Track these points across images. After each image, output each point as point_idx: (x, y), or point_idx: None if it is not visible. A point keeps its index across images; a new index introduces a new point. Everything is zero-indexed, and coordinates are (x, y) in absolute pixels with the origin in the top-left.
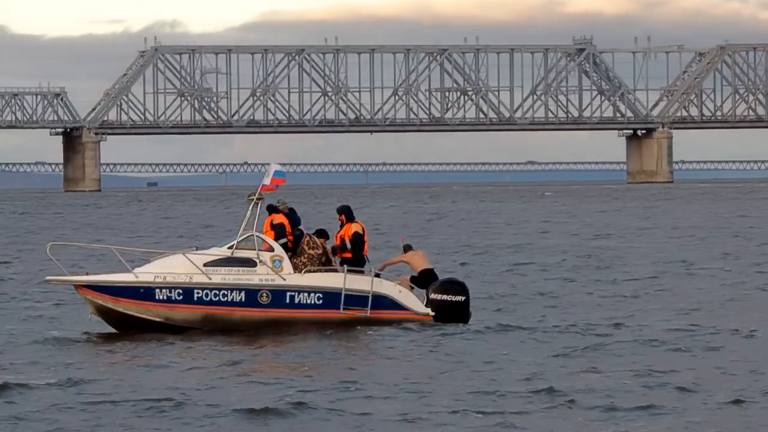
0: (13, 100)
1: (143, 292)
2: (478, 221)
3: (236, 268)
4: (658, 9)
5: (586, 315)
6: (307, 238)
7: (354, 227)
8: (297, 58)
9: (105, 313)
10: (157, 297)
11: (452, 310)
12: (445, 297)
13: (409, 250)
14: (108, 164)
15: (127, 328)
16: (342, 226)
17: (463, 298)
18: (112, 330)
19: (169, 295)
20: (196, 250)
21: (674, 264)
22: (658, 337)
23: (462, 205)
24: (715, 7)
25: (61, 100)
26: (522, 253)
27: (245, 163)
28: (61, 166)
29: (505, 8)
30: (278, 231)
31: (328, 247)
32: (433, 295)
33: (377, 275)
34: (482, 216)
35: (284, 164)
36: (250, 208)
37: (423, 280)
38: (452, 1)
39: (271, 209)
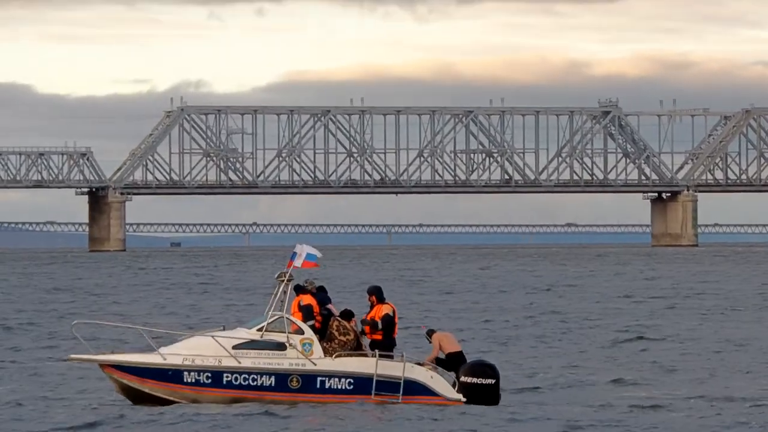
0: (39, 160)
1: (171, 375)
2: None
3: (266, 352)
4: (683, 72)
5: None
6: (336, 323)
7: (385, 309)
8: (323, 118)
9: (130, 393)
10: (185, 380)
11: (482, 393)
12: (475, 380)
13: (433, 333)
14: (131, 224)
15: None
16: (372, 306)
17: (494, 381)
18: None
19: (197, 378)
20: (224, 329)
21: None
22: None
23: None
24: (740, 71)
25: (87, 159)
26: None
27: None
28: (85, 226)
29: (530, 70)
30: (306, 313)
31: (358, 329)
32: (463, 378)
33: (419, 364)
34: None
35: (307, 225)
36: (281, 288)
37: (451, 362)
38: (477, 63)
39: (299, 289)
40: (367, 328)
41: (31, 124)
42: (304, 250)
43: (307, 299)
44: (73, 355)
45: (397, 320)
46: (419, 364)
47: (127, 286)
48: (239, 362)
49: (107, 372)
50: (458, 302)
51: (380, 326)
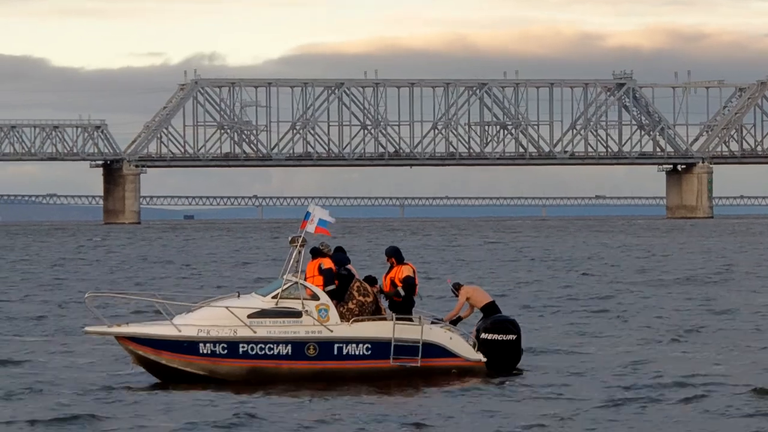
0: (53, 133)
1: (186, 346)
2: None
3: (281, 320)
4: (697, 43)
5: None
6: (357, 284)
7: (405, 270)
8: (337, 91)
9: (147, 364)
10: (200, 351)
11: (503, 350)
12: (495, 336)
13: (460, 287)
14: (145, 196)
15: (169, 379)
16: (391, 267)
17: (515, 337)
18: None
19: (213, 349)
20: (238, 296)
21: None
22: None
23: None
24: (755, 42)
25: (102, 132)
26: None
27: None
28: (99, 199)
29: (543, 42)
30: (327, 276)
31: (379, 296)
32: (483, 335)
33: (434, 321)
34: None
35: (320, 197)
36: (294, 253)
37: (486, 314)
38: (491, 35)
39: (316, 252)
40: (394, 297)
41: (46, 97)
42: (317, 214)
43: (327, 262)
44: (88, 328)
45: (417, 281)
46: (437, 320)
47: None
48: (255, 332)
49: (123, 344)
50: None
51: (402, 292)
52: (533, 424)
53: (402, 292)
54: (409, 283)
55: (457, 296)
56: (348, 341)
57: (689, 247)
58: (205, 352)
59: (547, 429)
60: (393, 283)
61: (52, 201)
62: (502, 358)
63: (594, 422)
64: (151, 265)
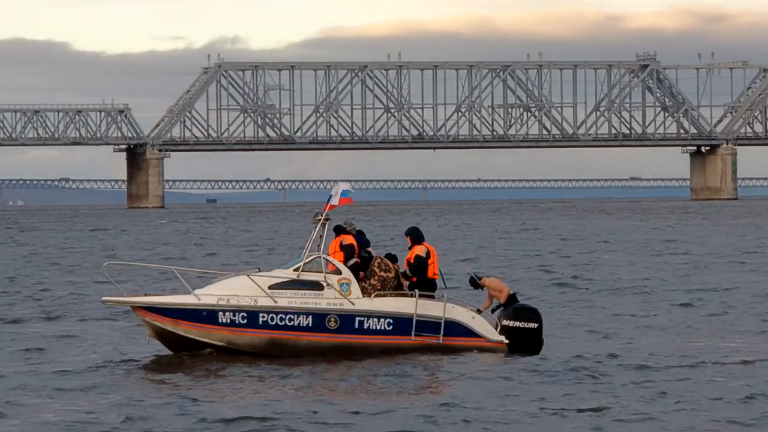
0: (77, 117)
1: (205, 315)
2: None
3: (303, 291)
4: (721, 24)
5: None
6: (378, 260)
7: (417, 250)
8: (360, 74)
9: (164, 336)
10: (220, 320)
11: (525, 338)
12: (517, 324)
13: (481, 279)
14: (168, 180)
15: (186, 351)
16: (410, 249)
17: (536, 326)
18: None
19: (232, 318)
20: (259, 271)
21: None
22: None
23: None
24: None
25: (125, 116)
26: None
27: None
28: (122, 183)
29: (566, 24)
30: (348, 252)
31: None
32: (505, 322)
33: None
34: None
35: (343, 181)
36: (317, 228)
37: (509, 305)
38: (513, 17)
39: (339, 230)
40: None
41: (68, 81)
42: (340, 187)
43: (349, 239)
44: (105, 298)
45: (435, 260)
46: (478, 311)
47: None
48: (275, 302)
49: (140, 314)
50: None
51: (409, 272)
52: (551, 408)
53: (409, 273)
54: (416, 264)
55: (473, 287)
56: (369, 315)
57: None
58: (224, 321)
59: (565, 412)
60: (410, 264)
61: (74, 186)
62: (524, 346)
63: (621, 409)
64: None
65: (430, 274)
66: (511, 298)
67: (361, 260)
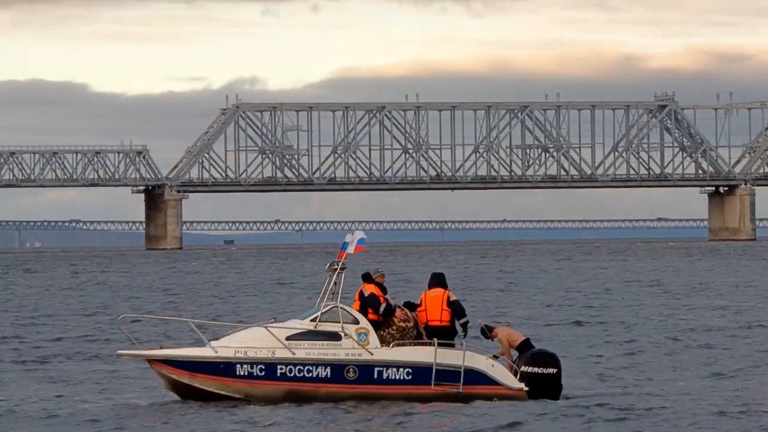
0: (95, 158)
1: (223, 368)
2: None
3: (320, 342)
4: (739, 64)
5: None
6: (399, 310)
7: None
8: (378, 115)
9: (181, 389)
10: (237, 373)
11: (544, 383)
12: (536, 369)
13: (493, 330)
14: (186, 221)
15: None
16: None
17: (555, 371)
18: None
19: (250, 370)
20: (275, 321)
21: None
22: None
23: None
24: None
25: (143, 158)
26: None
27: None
28: (139, 224)
29: (584, 64)
30: (372, 302)
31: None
32: (523, 368)
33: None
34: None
35: (360, 222)
36: (334, 278)
37: (522, 351)
38: (531, 57)
39: (365, 278)
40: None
41: (87, 123)
42: (355, 236)
43: (370, 288)
44: (121, 351)
45: (435, 306)
46: (495, 357)
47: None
48: (293, 353)
49: (156, 368)
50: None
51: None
52: None
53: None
54: (387, 310)
55: (484, 338)
56: (388, 365)
57: None
58: (242, 373)
59: None
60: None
61: (86, 227)
62: (543, 391)
63: None
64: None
65: (421, 321)
66: (526, 344)
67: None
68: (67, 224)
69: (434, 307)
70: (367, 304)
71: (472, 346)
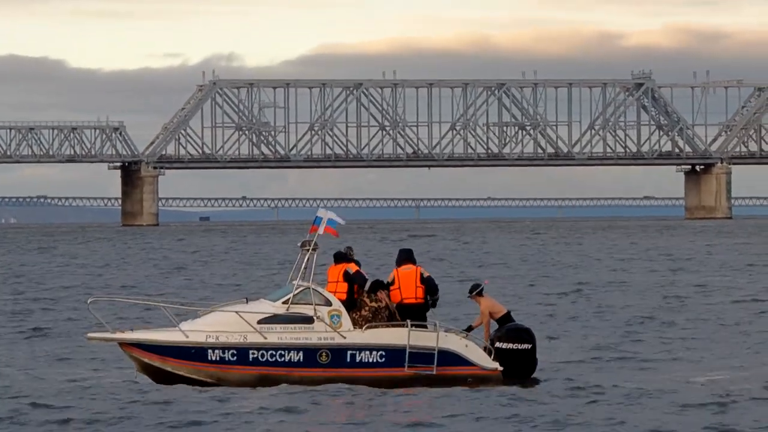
0: (72, 134)
1: (194, 353)
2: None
3: (293, 326)
4: (716, 43)
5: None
6: (365, 296)
7: (391, 274)
8: (355, 92)
9: (152, 372)
10: (209, 357)
11: (518, 359)
12: (510, 345)
13: (481, 294)
14: (161, 198)
15: (175, 384)
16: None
17: (530, 346)
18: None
19: (222, 355)
20: (247, 302)
21: None
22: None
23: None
24: None
25: (120, 134)
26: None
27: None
28: (115, 201)
29: (561, 42)
30: (360, 280)
31: (387, 299)
32: (498, 344)
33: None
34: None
35: (336, 199)
36: (306, 257)
37: (502, 325)
38: (508, 35)
39: (340, 257)
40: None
41: (63, 99)
42: (327, 215)
43: (354, 267)
44: (91, 334)
45: (407, 284)
46: (470, 328)
47: None
48: (265, 338)
49: (127, 351)
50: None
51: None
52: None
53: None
54: (359, 281)
55: (471, 298)
56: (361, 348)
57: None
58: (213, 358)
59: None
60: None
61: (68, 203)
62: (517, 367)
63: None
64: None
65: (394, 299)
66: (506, 318)
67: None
68: (35, 200)
69: (408, 285)
70: (354, 281)
71: (445, 325)
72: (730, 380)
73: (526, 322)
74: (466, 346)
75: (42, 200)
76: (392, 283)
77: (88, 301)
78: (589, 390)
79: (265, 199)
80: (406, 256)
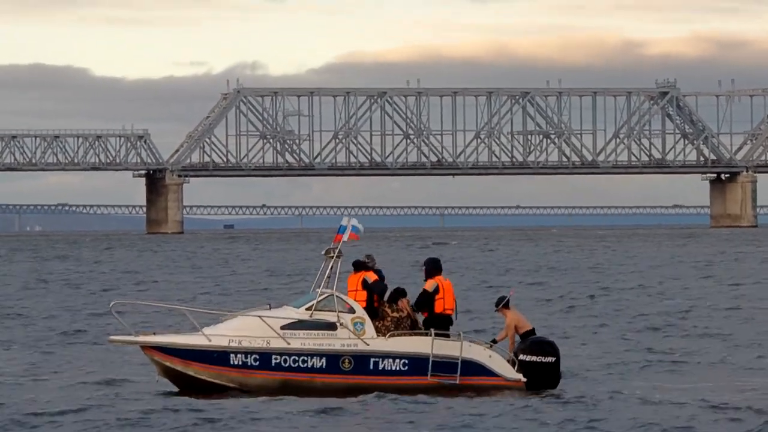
0: (96, 143)
1: (217, 357)
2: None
3: (316, 332)
4: (741, 51)
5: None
6: (386, 306)
7: (427, 284)
8: (379, 100)
9: (173, 376)
10: (231, 362)
11: (542, 372)
12: (534, 358)
13: (507, 307)
14: (187, 206)
15: (196, 390)
16: (425, 281)
17: (554, 359)
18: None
19: (244, 360)
20: (270, 308)
21: None
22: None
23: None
24: None
25: (145, 142)
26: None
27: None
28: (139, 209)
29: (586, 50)
30: (380, 289)
31: (409, 308)
32: (521, 357)
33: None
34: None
35: (360, 207)
36: (330, 265)
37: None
38: (533, 43)
39: (359, 266)
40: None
41: (88, 107)
42: (350, 222)
43: (372, 276)
44: (113, 337)
45: (447, 294)
46: (494, 342)
47: None
48: (288, 343)
49: (149, 354)
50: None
51: (415, 308)
52: None
53: (415, 308)
54: (420, 299)
55: (497, 311)
56: (385, 356)
57: None
58: (236, 363)
59: None
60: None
61: (92, 211)
62: (541, 380)
63: None
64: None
65: (438, 309)
66: (530, 334)
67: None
68: (59, 208)
69: (451, 295)
70: (373, 290)
71: (469, 336)
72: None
73: (551, 334)
74: (490, 356)
75: (66, 208)
76: (437, 292)
77: (111, 305)
78: (615, 396)
79: (288, 207)
80: (440, 266)
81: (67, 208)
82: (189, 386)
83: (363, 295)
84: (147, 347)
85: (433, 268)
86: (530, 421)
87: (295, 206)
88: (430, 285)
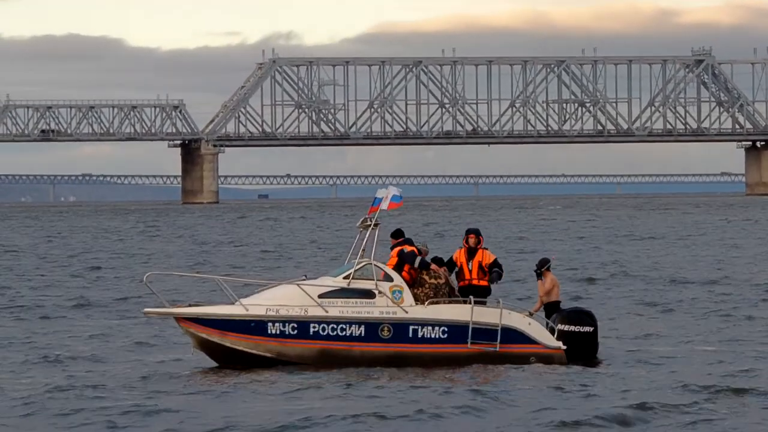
0: (132, 113)
1: (254, 326)
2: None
3: (354, 300)
4: None
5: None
6: (424, 273)
7: (455, 254)
8: (414, 70)
9: (209, 348)
10: (269, 331)
11: (580, 342)
12: (572, 328)
13: (549, 270)
14: (221, 176)
15: (233, 362)
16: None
17: (592, 329)
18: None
19: (282, 329)
20: (305, 278)
21: None
22: None
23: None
24: None
25: (180, 112)
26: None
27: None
28: (173, 179)
29: (621, 19)
30: (409, 257)
31: (446, 275)
32: (560, 326)
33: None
34: None
35: (395, 176)
36: (367, 234)
37: (550, 311)
38: (568, 12)
39: (401, 236)
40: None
41: (123, 77)
42: (390, 192)
43: (410, 248)
44: (148, 309)
45: (472, 264)
46: (530, 314)
47: None
48: (326, 311)
49: (184, 326)
50: None
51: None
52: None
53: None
54: (409, 259)
55: (539, 272)
56: (424, 323)
57: None
58: (273, 332)
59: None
60: (480, 268)
61: (127, 181)
62: (579, 350)
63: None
64: None
65: (466, 277)
66: (555, 306)
67: (414, 273)
68: (94, 178)
69: (476, 266)
70: (404, 260)
71: (508, 303)
72: None
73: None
74: (530, 324)
75: (101, 178)
76: (453, 263)
77: (145, 276)
78: (653, 366)
79: (316, 177)
80: (475, 234)
81: (103, 178)
82: (225, 359)
83: (395, 261)
84: (182, 319)
85: (470, 235)
86: (562, 392)
87: (333, 175)
88: (457, 254)
